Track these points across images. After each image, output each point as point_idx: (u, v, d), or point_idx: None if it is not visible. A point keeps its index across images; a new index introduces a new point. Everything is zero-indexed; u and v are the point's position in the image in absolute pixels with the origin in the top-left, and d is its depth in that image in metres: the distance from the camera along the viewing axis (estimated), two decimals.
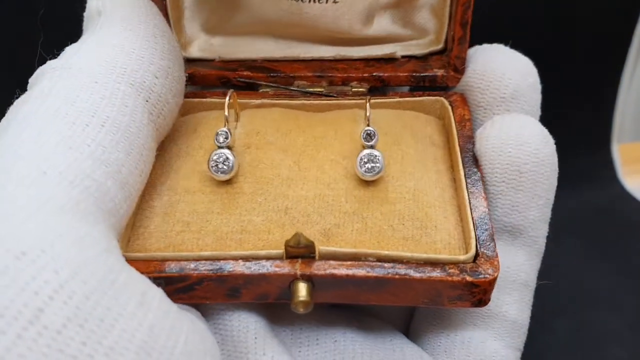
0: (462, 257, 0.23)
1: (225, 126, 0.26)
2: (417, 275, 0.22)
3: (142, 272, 0.21)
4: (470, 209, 0.25)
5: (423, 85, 0.32)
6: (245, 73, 0.32)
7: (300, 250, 0.22)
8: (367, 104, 0.27)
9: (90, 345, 0.16)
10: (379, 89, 0.32)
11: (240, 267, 0.23)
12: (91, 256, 0.18)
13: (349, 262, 0.23)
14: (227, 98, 0.27)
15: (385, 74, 0.32)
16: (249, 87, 0.32)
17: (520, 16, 0.52)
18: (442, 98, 0.31)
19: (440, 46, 0.32)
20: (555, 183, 0.27)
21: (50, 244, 0.17)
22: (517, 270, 0.27)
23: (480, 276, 0.23)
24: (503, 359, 0.27)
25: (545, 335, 0.44)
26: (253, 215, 0.25)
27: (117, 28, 0.25)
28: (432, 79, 0.32)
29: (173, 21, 0.32)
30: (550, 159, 0.26)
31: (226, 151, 0.25)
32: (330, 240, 0.24)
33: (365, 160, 0.25)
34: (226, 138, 0.26)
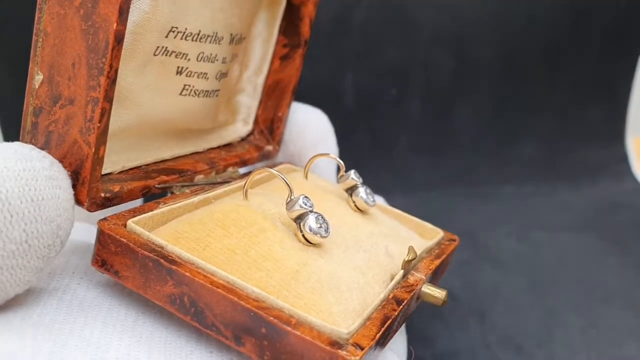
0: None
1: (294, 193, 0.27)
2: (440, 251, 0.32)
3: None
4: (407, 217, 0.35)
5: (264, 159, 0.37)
6: (161, 178, 0.29)
7: (409, 264, 0.28)
8: (309, 164, 0.33)
9: None
10: None
11: (404, 295, 0.26)
12: None
13: (426, 258, 0.30)
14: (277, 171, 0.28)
15: (246, 156, 0.35)
16: (163, 193, 0.29)
17: (535, 14, 0.51)
18: (288, 164, 0.37)
19: (249, 129, 0.38)
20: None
21: None
22: None
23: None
24: None
25: (559, 330, 0.41)
26: (355, 261, 0.27)
27: None
28: (267, 154, 0.37)
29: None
30: None
31: (320, 214, 0.27)
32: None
33: (369, 193, 0.32)
34: (311, 203, 0.26)
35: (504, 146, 0.59)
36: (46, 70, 0.24)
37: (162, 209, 0.27)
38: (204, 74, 0.31)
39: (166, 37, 0.28)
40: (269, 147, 0.38)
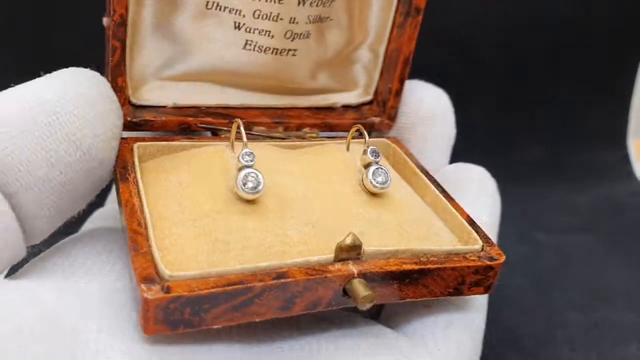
0: (475, 247, 0.28)
1: (246, 147, 0.27)
2: (450, 265, 0.27)
3: (201, 290, 0.22)
4: (457, 212, 0.30)
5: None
6: (206, 119, 0.33)
7: (350, 252, 0.25)
8: (364, 132, 0.32)
9: None
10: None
11: (301, 274, 0.24)
12: None
13: (394, 259, 0.26)
14: (241, 125, 0.28)
15: (334, 121, 0.35)
16: (210, 133, 0.33)
17: (537, 15, 0.54)
18: (385, 139, 0.36)
19: (369, 98, 0.37)
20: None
21: None
22: None
23: (494, 260, 0.28)
24: None
25: (562, 332, 0.43)
26: (287, 230, 0.26)
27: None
28: (370, 125, 0.36)
29: (130, 70, 0.31)
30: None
31: (255, 170, 0.27)
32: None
33: (377, 174, 0.29)
34: (251, 159, 0.27)
35: (507, 148, 0.62)
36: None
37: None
38: (267, 31, 0.32)
39: None
40: (376, 119, 0.36)
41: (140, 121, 0.32)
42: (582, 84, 0.55)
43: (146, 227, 0.25)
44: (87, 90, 0.27)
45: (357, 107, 0.37)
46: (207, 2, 0.31)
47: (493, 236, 0.33)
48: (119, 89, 0.30)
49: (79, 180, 0.26)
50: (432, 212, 0.31)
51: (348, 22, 0.35)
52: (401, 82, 0.35)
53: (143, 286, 0.22)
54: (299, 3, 0.32)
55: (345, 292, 0.25)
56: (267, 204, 0.28)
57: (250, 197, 0.27)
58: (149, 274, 0.23)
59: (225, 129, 0.33)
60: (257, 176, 0.27)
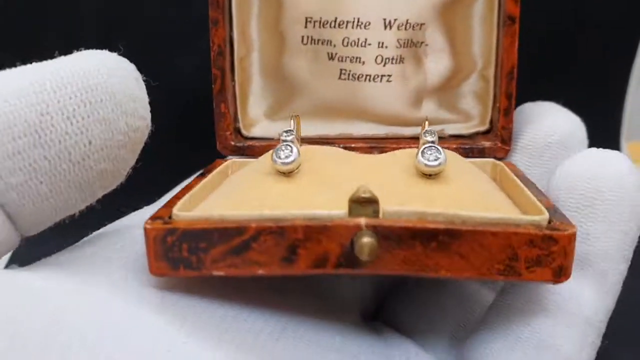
0: (537, 217, 0.23)
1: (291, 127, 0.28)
2: (492, 228, 0.22)
3: (199, 227, 0.22)
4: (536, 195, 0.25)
5: (472, 156, 0.33)
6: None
7: (365, 208, 0.22)
8: (426, 123, 0.29)
9: None
10: None
11: (301, 220, 0.22)
12: None
13: (417, 218, 0.22)
14: (292, 119, 0.29)
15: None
16: None
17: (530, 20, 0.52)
18: (492, 159, 0.32)
19: (485, 127, 0.35)
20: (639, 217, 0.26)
21: None
22: (580, 304, 0.25)
23: (558, 231, 0.22)
24: None
25: None
26: (314, 196, 0.25)
27: None
28: (480, 150, 0.33)
29: (240, 106, 0.35)
30: (633, 188, 0.26)
31: (290, 143, 0.27)
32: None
33: (428, 152, 0.26)
34: (291, 134, 0.27)
35: None
36: None
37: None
38: (357, 57, 0.34)
39: (305, 27, 0.34)
40: (486, 143, 0.33)
41: (243, 147, 0.35)
42: (574, 87, 0.50)
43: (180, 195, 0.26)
44: (100, 82, 0.22)
45: (470, 136, 0.35)
46: (302, 37, 0.34)
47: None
48: (222, 115, 0.34)
49: (69, 190, 0.23)
50: (501, 196, 0.26)
51: (448, 47, 0.34)
52: (508, 98, 0.32)
53: (148, 220, 0.23)
54: (385, 27, 0.33)
55: (352, 247, 0.22)
56: (304, 178, 0.27)
57: (283, 168, 0.27)
58: (159, 214, 0.24)
59: None
60: (291, 148, 0.27)
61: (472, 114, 0.35)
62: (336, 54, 0.34)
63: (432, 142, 0.27)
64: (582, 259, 0.26)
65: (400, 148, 0.33)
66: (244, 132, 0.35)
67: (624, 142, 0.60)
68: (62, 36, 0.48)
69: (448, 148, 0.33)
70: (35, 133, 0.21)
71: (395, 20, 0.33)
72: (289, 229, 0.22)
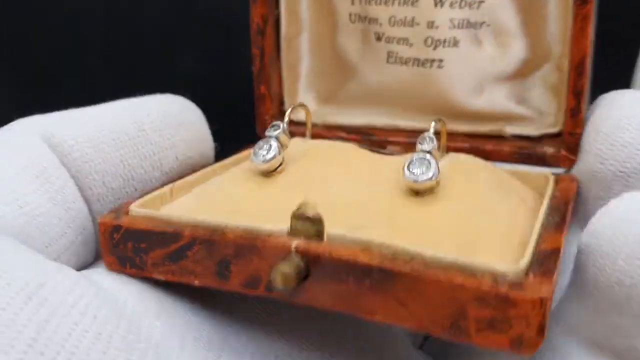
0: (502, 266, 0.17)
1: (283, 121, 0.25)
2: (436, 274, 0.17)
3: (141, 227, 0.21)
4: (538, 239, 0.19)
5: (530, 164, 0.28)
6: (340, 134, 0.31)
7: (307, 227, 0.19)
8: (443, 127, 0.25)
9: None
10: None
11: (235, 233, 0.20)
12: None
13: (354, 248, 0.19)
14: (288, 112, 0.26)
15: (488, 147, 0.28)
16: None
17: None
18: (547, 173, 0.26)
19: (558, 129, 0.28)
20: None
21: None
22: None
23: (519, 291, 0.17)
24: None
25: None
26: (278, 203, 0.22)
27: None
28: (539, 157, 0.27)
29: (288, 88, 0.33)
30: None
31: (272, 140, 0.24)
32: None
33: (416, 164, 0.22)
34: (277, 129, 0.25)
35: None
36: None
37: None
38: (404, 39, 0.29)
39: (352, 3, 0.30)
40: (548, 149, 0.27)
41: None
42: None
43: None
44: (177, 113, 0.27)
45: (536, 138, 0.29)
46: (350, 14, 0.31)
47: None
48: (261, 97, 0.32)
49: None
50: (503, 231, 0.21)
51: (515, 29, 0.28)
52: (577, 97, 0.26)
53: (105, 213, 0.23)
54: (435, 4, 0.28)
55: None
56: (282, 181, 0.24)
57: (260, 166, 0.24)
58: (120, 207, 0.23)
59: (357, 144, 0.31)
60: (271, 146, 0.24)
61: (543, 110, 0.29)
62: (383, 34, 0.30)
63: (428, 151, 0.22)
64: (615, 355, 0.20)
65: (447, 145, 0.29)
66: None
67: None
68: (62, 36, 0.47)
69: (500, 153, 0.28)
70: (134, 145, 0.25)
71: None
72: (219, 243, 0.20)
